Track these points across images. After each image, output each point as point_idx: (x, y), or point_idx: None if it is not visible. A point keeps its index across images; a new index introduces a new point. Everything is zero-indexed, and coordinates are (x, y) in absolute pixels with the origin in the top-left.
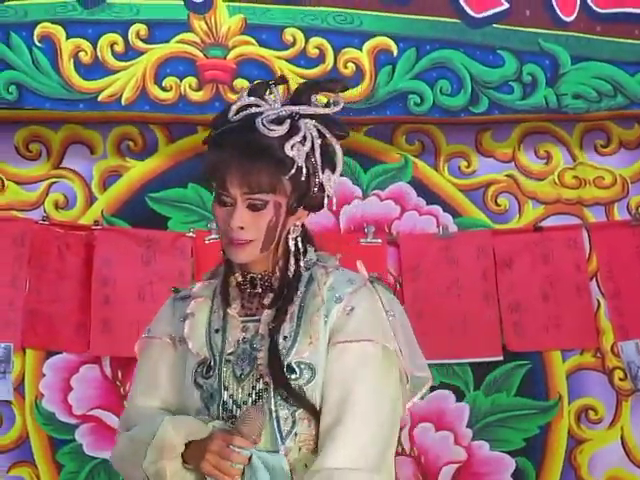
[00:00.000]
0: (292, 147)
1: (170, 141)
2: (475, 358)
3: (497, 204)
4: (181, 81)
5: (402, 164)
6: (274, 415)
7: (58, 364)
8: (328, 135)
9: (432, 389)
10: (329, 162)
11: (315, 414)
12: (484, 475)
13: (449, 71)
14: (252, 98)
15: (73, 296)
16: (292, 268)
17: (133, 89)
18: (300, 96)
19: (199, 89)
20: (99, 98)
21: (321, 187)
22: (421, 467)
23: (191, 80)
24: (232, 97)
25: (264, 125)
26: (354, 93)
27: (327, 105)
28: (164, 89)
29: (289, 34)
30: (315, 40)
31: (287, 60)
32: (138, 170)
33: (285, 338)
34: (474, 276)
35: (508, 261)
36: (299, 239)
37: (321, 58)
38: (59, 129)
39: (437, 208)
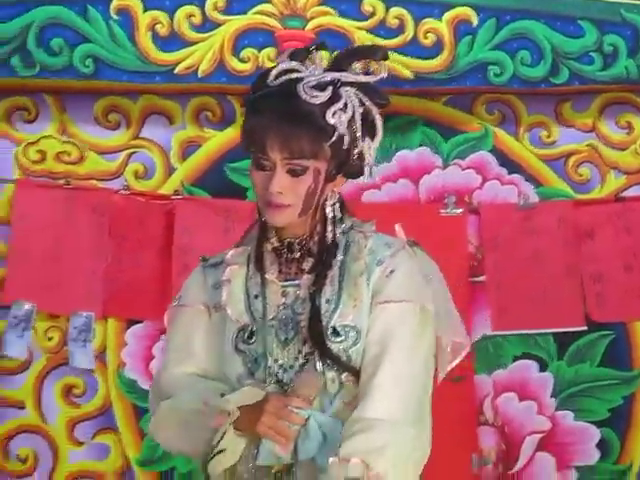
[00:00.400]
0: (333, 114)
1: None
2: (557, 328)
3: (578, 174)
4: (259, 52)
5: (482, 133)
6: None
7: (140, 333)
8: (368, 103)
9: (515, 359)
10: (369, 130)
11: (358, 376)
12: (568, 445)
13: (529, 42)
14: (293, 63)
15: (153, 265)
16: (330, 234)
17: (210, 61)
18: (340, 63)
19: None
20: (175, 70)
21: (360, 155)
22: (504, 437)
23: (269, 51)
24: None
25: (305, 91)
26: (434, 63)
27: (367, 73)
28: (242, 60)
29: (368, 4)
30: (395, 10)
31: (366, 30)
32: (217, 140)
33: (328, 301)
34: (555, 246)
35: (590, 231)
36: (336, 205)
37: (401, 28)
38: (137, 99)
39: (518, 178)
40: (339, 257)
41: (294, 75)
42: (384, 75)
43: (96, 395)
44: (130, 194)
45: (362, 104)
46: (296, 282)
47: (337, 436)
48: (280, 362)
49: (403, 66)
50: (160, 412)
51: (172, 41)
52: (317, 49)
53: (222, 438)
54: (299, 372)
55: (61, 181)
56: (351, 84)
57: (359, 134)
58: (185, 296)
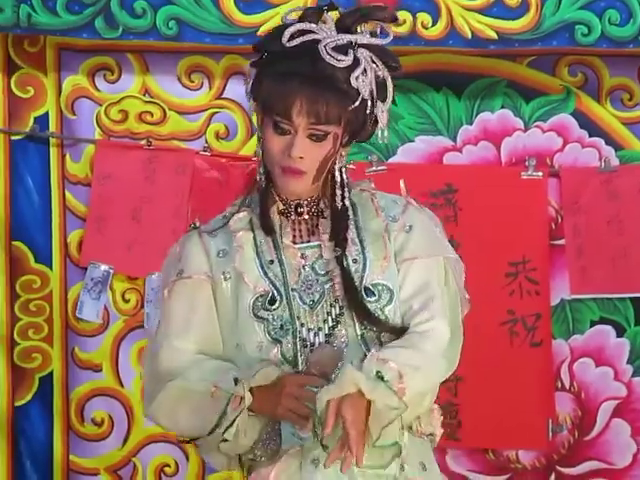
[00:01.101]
0: (357, 78)
1: None
2: (636, 293)
3: None
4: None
5: (564, 96)
6: (359, 339)
7: None
8: (381, 66)
9: (592, 324)
10: (382, 94)
11: (398, 334)
12: None
13: (618, 1)
14: (311, 24)
15: None
16: (341, 197)
17: None
18: (347, 24)
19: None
20: (259, 32)
21: (375, 119)
22: (580, 402)
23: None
24: (394, 29)
25: (329, 53)
26: (519, 24)
27: (373, 34)
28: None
29: None
30: None
31: None
32: None
33: (355, 261)
34: (636, 210)
35: None
36: (344, 169)
37: None
38: (220, 60)
39: (599, 141)
40: (351, 217)
41: (312, 36)
42: (391, 38)
43: None
44: (211, 155)
45: (377, 67)
46: (313, 243)
47: None
48: (309, 326)
49: (487, 27)
50: (167, 393)
51: (255, 4)
52: (328, 9)
53: (234, 421)
54: (326, 340)
55: (142, 141)
56: (366, 46)
57: (375, 98)
58: (187, 267)
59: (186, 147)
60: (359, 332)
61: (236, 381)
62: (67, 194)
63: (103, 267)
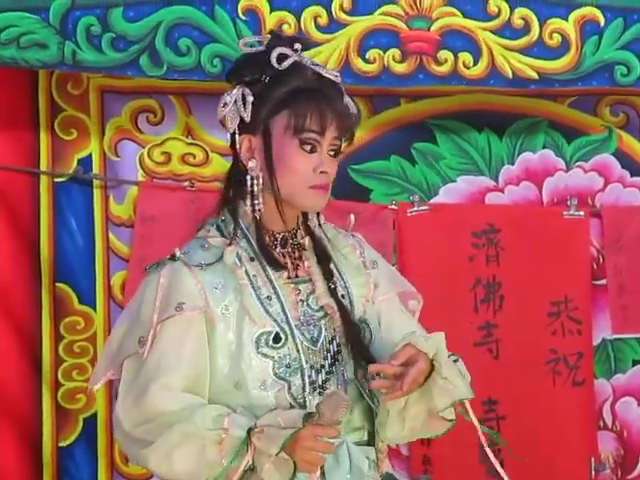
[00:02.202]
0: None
1: (372, 113)
2: None
3: None
4: (384, 53)
5: (606, 136)
6: (355, 377)
7: None
8: None
9: (634, 363)
10: None
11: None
12: None
13: None
14: (286, 48)
15: None
16: (316, 221)
17: (336, 61)
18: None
19: (402, 61)
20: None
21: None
22: (623, 441)
23: (394, 52)
24: (436, 68)
25: (328, 72)
26: (559, 64)
27: None
28: (367, 61)
29: (494, 5)
30: (520, 11)
31: (491, 31)
32: None
33: (343, 297)
34: None
35: None
36: None
37: (526, 29)
38: None
39: None
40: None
41: (294, 58)
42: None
43: None
44: None
45: None
46: (306, 277)
47: (363, 464)
48: (313, 364)
49: (528, 66)
50: (169, 437)
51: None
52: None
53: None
54: (326, 378)
55: (185, 183)
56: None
57: None
58: (181, 301)
59: None
60: (354, 369)
61: (250, 430)
62: (110, 235)
63: None
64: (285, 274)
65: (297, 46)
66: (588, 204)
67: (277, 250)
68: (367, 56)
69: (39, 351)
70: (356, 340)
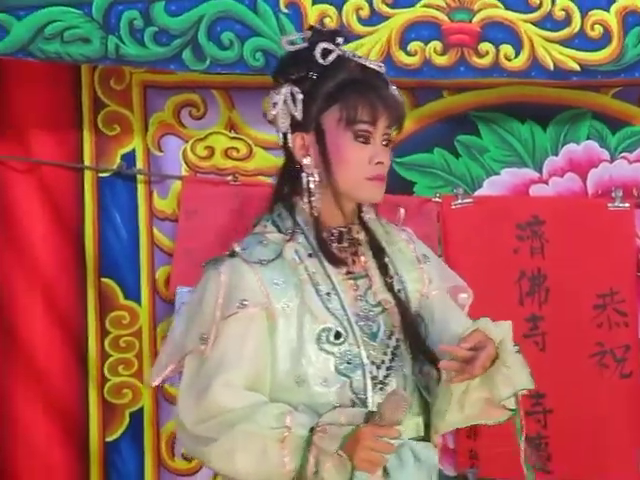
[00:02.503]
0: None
1: (415, 106)
2: None
3: None
4: (426, 45)
5: None
6: (413, 372)
7: None
8: None
9: None
10: None
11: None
12: None
13: None
14: (330, 44)
15: None
16: (369, 215)
17: (378, 54)
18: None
19: (444, 53)
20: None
21: None
22: None
23: (436, 44)
24: (477, 61)
25: (372, 62)
26: (601, 55)
27: None
28: (409, 54)
29: None
30: (561, 2)
31: (533, 23)
32: None
33: (399, 291)
34: None
35: None
36: None
37: (567, 20)
38: None
39: None
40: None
41: (337, 52)
42: None
43: None
44: None
45: None
46: (362, 273)
47: (431, 460)
48: (374, 360)
49: (570, 58)
50: (232, 436)
51: None
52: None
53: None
54: (387, 375)
55: (228, 177)
56: None
57: None
58: (243, 298)
59: (272, 182)
60: (412, 364)
61: (312, 428)
62: (155, 230)
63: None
64: (344, 270)
65: (339, 40)
66: (633, 195)
67: (334, 246)
68: (408, 48)
69: (85, 346)
70: (414, 335)
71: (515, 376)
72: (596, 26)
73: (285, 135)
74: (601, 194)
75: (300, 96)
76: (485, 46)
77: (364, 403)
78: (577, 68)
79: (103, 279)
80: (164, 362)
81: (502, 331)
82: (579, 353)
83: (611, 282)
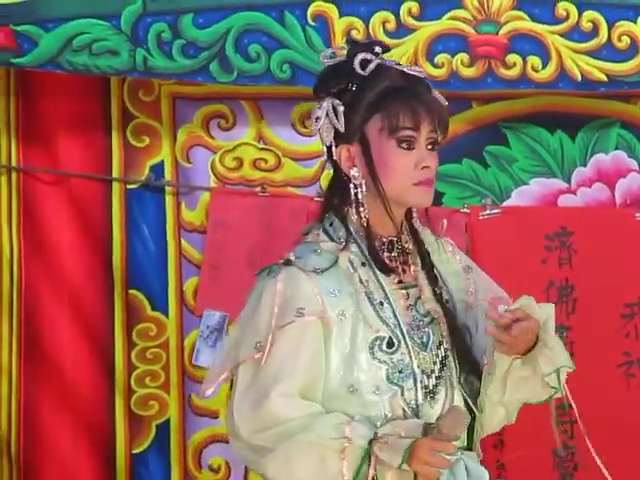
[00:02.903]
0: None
1: None
2: None
3: None
4: (453, 57)
5: None
6: (461, 382)
7: None
8: None
9: None
10: None
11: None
12: None
13: None
14: (369, 54)
15: None
16: (418, 224)
17: None
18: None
19: (471, 65)
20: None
21: None
22: None
23: (463, 56)
24: (505, 72)
25: (411, 68)
26: (628, 66)
27: None
28: (436, 66)
29: (562, 8)
30: (589, 14)
31: (560, 34)
32: None
33: (447, 302)
34: None
35: None
36: None
37: (594, 32)
38: None
39: None
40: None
41: (377, 62)
42: None
43: None
44: None
45: None
46: (412, 282)
47: (483, 478)
48: (422, 368)
49: (597, 69)
50: (291, 446)
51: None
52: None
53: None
54: (436, 384)
55: (257, 188)
56: None
57: None
58: (301, 307)
59: (301, 193)
60: (458, 374)
61: (371, 440)
62: (183, 242)
63: (219, 314)
64: (395, 279)
65: (377, 49)
66: None
67: (385, 255)
68: (436, 60)
69: (112, 358)
70: (461, 345)
71: (557, 356)
72: (623, 37)
73: (330, 148)
74: (629, 204)
75: (341, 108)
76: (512, 57)
77: (416, 413)
78: (604, 79)
79: (130, 291)
80: (218, 371)
81: (545, 312)
82: (606, 363)
83: (639, 291)
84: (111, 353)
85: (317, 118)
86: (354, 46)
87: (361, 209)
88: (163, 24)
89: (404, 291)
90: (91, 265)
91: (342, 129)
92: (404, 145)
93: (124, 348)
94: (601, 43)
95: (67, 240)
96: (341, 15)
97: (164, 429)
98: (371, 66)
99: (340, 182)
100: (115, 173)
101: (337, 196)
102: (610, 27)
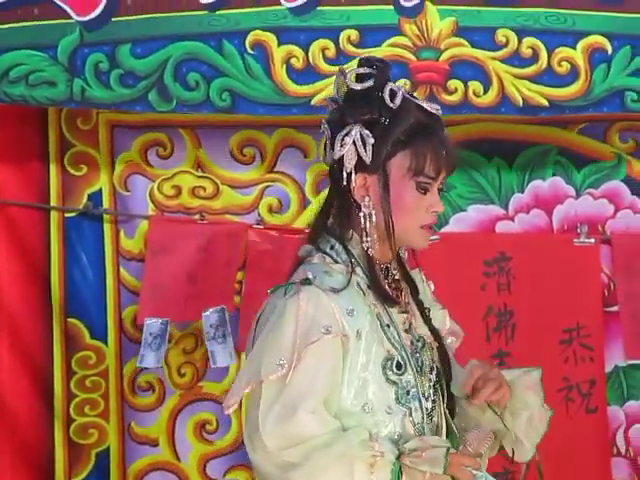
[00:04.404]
0: None
1: None
2: None
3: None
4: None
5: (616, 162)
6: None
7: None
8: None
9: None
10: None
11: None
12: None
13: None
14: (393, 83)
15: None
16: (403, 252)
17: None
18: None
19: (412, 91)
20: (312, 102)
21: None
22: (636, 468)
23: (402, 82)
24: (446, 98)
25: (436, 109)
26: (570, 91)
27: None
28: None
29: (502, 35)
30: (528, 40)
31: (500, 60)
32: None
33: (434, 328)
34: None
35: None
36: None
37: (535, 58)
38: (273, 133)
39: None
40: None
41: (402, 93)
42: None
43: (229, 431)
44: (264, 228)
45: None
46: (406, 309)
47: None
48: (421, 390)
49: (538, 94)
50: (317, 461)
51: (307, 74)
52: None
53: None
54: (432, 407)
55: (196, 216)
56: None
57: None
58: (325, 326)
59: (239, 221)
60: (444, 400)
61: (398, 455)
62: (121, 270)
63: (160, 320)
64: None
65: (402, 83)
66: (598, 231)
67: (383, 281)
68: None
69: (51, 386)
70: (448, 369)
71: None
72: (563, 63)
73: (349, 174)
74: (567, 230)
75: (371, 140)
76: (454, 83)
77: (421, 434)
78: (546, 103)
79: (69, 319)
80: (241, 387)
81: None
82: (546, 388)
83: (577, 317)
84: (50, 381)
85: (343, 144)
86: (381, 71)
87: (368, 239)
88: (100, 54)
89: (403, 315)
90: (30, 294)
91: (368, 161)
92: (421, 189)
93: (63, 376)
94: (541, 69)
95: (5, 269)
96: (280, 43)
97: (104, 457)
98: (398, 99)
99: (345, 207)
100: (53, 202)
101: (338, 220)
102: (550, 53)
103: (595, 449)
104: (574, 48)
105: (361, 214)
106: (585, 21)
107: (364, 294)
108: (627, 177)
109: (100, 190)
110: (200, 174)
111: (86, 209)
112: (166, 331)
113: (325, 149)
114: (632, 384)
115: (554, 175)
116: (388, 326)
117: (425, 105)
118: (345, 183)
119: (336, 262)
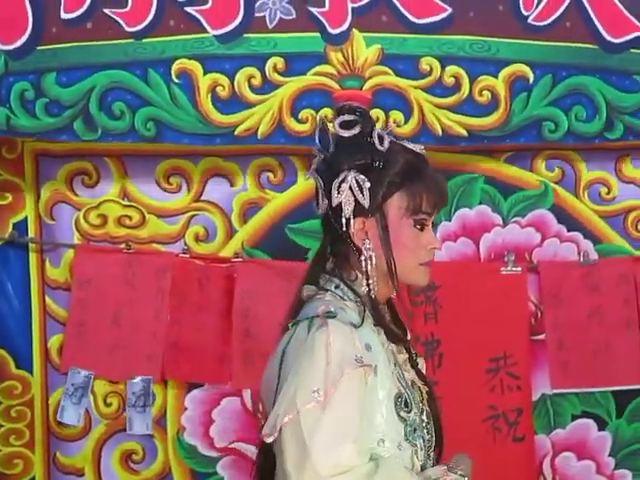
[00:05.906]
0: None
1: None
2: (617, 386)
3: (638, 230)
4: (317, 113)
5: (542, 191)
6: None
7: (199, 397)
8: None
9: (573, 418)
10: None
11: None
12: None
13: (584, 97)
14: (378, 129)
15: (214, 328)
16: (395, 295)
17: (269, 123)
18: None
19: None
20: (236, 132)
21: None
22: None
23: (327, 112)
24: None
25: (420, 148)
26: (488, 121)
27: None
28: (300, 121)
29: (425, 63)
30: (451, 69)
31: (423, 89)
32: (277, 202)
33: (419, 373)
34: (616, 303)
35: None
36: None
37: (457, 87)
38: (199, 162)
39: (578, 235)
40: None
41: (390, 138)
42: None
43: (155, 461)
44: (191, 257)
45: None
46: (402, 347)
47: None
48: (421, 430)
49: (457, 124)
50: None
51: (232, 103)
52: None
53: None
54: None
55: (122, 245)
56: None
57: None
58: (357, 357)
59: (166, 250)
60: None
61: None
62: (47, 299)
63: (84, 373)
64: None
65: (390, 125)
66: (525, 259)
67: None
68: (300, 116)
69: None
70: (436, 412)
71: None
72: (485, 92)
73: (348, 220)
74: (494, 258)
75: (368, 184)
76: (375, 112)
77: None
78: (464, 133)
79: None
80: (278, 419)
81: None
82: (473, 417)
83: (504, 346)
84: None
85: (340, 191)
86: (363, 118)
87: (370, 281)
88: (26, 83)
89: (403, 355)
90: None
91: (367, 205)
92: (419, 226)
93: None
94: (462, 98)
95: None
96: (206, 72)
97: None
98: (386, 143)
99: (343, 251)
100: None
101: (339, 263)
102: (472, 82)
103: (522, 478)
104: (496, 77)
105: (362, 257)
106: (509, 49)
107: (377, 332)
108: (554, 206)
109: (25, 219)
110: (126, 203)
111: (11, 238)
112: (89, 384)
113: (317, 198)
114: (559, 412)
115: (481, 203)
116: (395, 364)
117: (410, 146)
118: (344, 228)
119: (343, 300)
